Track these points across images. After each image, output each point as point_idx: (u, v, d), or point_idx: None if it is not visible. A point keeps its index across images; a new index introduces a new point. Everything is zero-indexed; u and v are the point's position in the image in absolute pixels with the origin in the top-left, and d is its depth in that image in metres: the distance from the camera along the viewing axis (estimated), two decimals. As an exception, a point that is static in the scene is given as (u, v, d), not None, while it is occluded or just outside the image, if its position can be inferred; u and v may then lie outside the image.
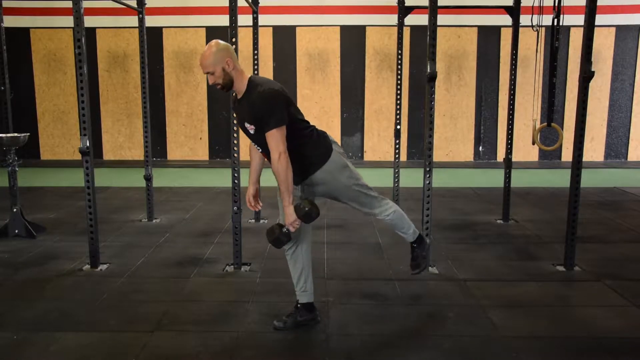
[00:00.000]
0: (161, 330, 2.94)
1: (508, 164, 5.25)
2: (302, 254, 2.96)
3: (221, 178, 7.74)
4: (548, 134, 8.48)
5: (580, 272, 3.86)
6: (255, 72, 5.21)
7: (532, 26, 4.99)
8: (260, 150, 2.82)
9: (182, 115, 9.74)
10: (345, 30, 9.52)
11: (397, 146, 5.24)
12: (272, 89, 2.67)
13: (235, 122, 3.77)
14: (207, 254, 4.29)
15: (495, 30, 9.44)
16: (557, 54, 4.97)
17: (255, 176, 3.02)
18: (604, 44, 9.43)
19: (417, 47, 9.13)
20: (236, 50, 3.72)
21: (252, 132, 2.73)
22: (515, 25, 5.04)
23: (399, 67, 5.18)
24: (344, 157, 2.89)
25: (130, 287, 3.57)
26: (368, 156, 9.79)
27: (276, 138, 2.62)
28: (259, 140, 2.74)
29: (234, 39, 3.72)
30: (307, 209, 2.67)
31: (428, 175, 3.77)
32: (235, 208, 3.83)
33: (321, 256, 4.20)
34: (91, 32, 9.34)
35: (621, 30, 9.43)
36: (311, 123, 2.87)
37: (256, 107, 2.65)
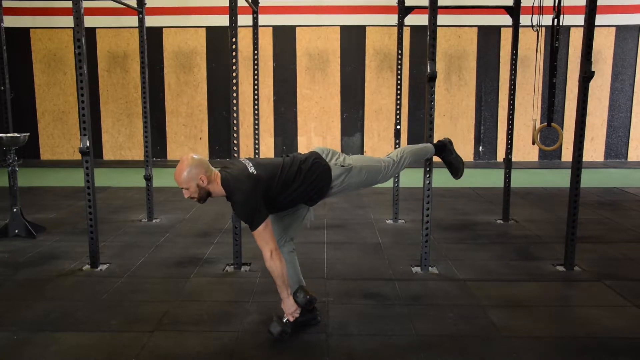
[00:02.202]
0: (161, 330, 2.94)
1: (508, 164, 5.25)
2: (289, 257, 2.98)
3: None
4: (548, 134, 8.49)
5: (580, 272, 3.86)
6: (255, 72, 5.21)
7: (532, 26, 4.99)
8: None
9: (182, 115, 9.75)
10: (345, 30, 9.53)
11: (397, 146, 5.23)
12: (242, 190, 2.62)
13: (235, 122, 3.77)
14: (207, 254, 4.29)
15: (495, 30, 9.44)
16: (557, 54, 4.96)
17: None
18: (604, 44, 9.43)
19: (417, 47, 9.14)
20: (236, 50, 3.73)
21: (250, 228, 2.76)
22: (515, 25, 5.04)
23: (399, 67, 5.18)
24: (344, 161, 2.89)
25: (130, 287, 3.57)
26: (368, 156, 9.78)
27: (263, 236, 2.65)
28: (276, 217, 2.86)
29: (234, 39, 3.72)
30: (308, 297, 2.76)
31: (428, 175, 3.77)
32: (235, 208, 3.83)
33: (321, 256, 4.20)
34: (91, 32, 9.34)
35: (621, 30, 9.43)
36: (291, 156, 2.88)
37: (237, 210, 2.69)
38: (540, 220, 5.36)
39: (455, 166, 3.37)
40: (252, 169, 2.70)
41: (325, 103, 9.67)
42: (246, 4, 5.00)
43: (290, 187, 2.75)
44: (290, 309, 2.78)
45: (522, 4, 4.95)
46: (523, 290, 3.54)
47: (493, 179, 7.77)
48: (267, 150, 9.71)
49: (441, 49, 9.35)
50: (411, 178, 6.86)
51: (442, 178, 7.62)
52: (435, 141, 3.53)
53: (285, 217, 2.97)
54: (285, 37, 9.52)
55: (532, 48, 8.87)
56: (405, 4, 5.04)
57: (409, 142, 9.66)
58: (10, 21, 8.32)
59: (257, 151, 5.07)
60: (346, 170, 2.85)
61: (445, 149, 3.36)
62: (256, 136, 5.05)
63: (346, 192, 2.94)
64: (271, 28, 9.42)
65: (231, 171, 2.73)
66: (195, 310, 3.20)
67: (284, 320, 2.80)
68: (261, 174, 2.69)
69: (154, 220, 5.34)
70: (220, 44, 9.49)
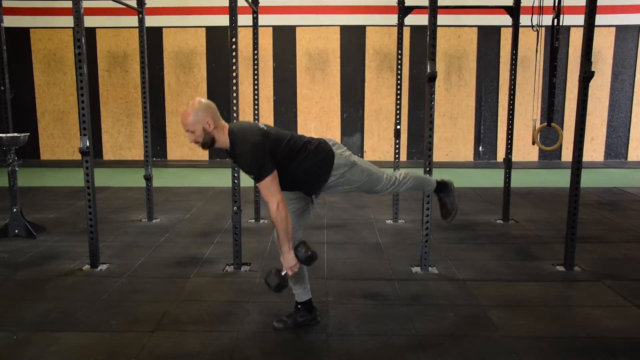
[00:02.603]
0: (161, 330, 2.94)
1: (508, 164, 5.26)
2: None
3: (221, 178, 7.74)
4: (548, 134, 8.49)
5: (580, 272, 3.86)
6: (255, 72, 5.21)
7: (532, 26, 4.99)
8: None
9: (182, 115, 9.73)
10: (345, 30, 9.53)
11: (397, 146, 5.24)
12: (252, 143, 2.63)
13: (235, 122, 3.77)
14: (207, 254, 4.29)
15: (495, 30, 9.44)
16: (557, 54, 4.97)
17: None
18: (604, 44, 9.43)
19: (417, 47, 9.14)
20: (236, 50, 3.73)
21: (253, 179, 2.73)
22: (515, 25, 5.04)
23: (399, 67, 5.18)
24: (350, 156, 2.88)
25: (130, 287, 3.57)
26: (368, 156, 9.79)
27: (269, 187, 2.63)
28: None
29: (234, 39, 3.72)
30: (309, 253, 2.71)
31: (428, 176, 3.77)
32: (235, 208, 3.83)
33: (321, 256, 4.20)
34: (91, 32, 9.34)
35: (621, 30, 9.43)
36: (306, 135, 2.87)
37: (242, 162, 2.67)
38: (540, 220, 5.36)
39: (448, 209, 3.23)
40: (262, 126, 2.75)
41: (325, 103, 9.67)
42: (246, 4, 5.00)
43: (294, 159, 2.72)
44: (290, 263, 2.72)
45: (522, 4, 4.94)
46: (523, 290, 3.54)
47: (493, 179, 7.78)
48: (267, 150, 9.68)
49: (441, 49, 9.35)
50: (411, 178, 6.86)
51: (442, 178, 7.56)
52: (440, 179, 3.39)
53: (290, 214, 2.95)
54: (285, 37, 9.52)
55: (532, 48, 8.86)
56: (405, 4, 5.04)
57: (409, 142, 9.67)
58: (10, 21, 8.31)
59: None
60: (349, 164, 2.83)
61: (446, 188, 3.24)
62: (256, 136, 5.04)
63: (343, 189, 2.88)
64: (271, 28, 9.42)
65: (241, 124, 2.78)
66: (195, 310, 3.20)
67: (282, 274, 2.75)
68: (271, 132, 2.72)
69: (154, 220, 5.34)
70: (220, 44, 9.49)
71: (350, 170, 2.83)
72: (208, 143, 2.71)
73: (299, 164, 2.74)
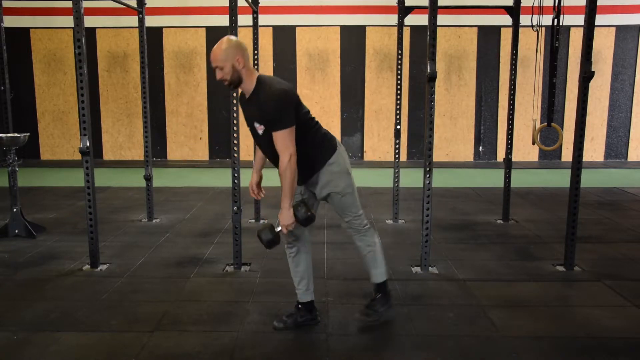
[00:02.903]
0: (161, 330, 2.94)
1: (508, 164, 5.25)
2: (306, 255, 2.96)
3: (221, 178, 7.74)
4: (548, 134, 8.49)
5: (580, 272, 3.86)
6: (255, 72, 5.21)
7: (532, 26, 4.99)
8: (267, 153, 2.81)
9: (182, 115, 9.75)
10: (345, 30, 9.53)
11: (397, 146, 5.23)
12: (282, 89, 2.64)
13: (235, 122, 3.77)
14: (207, 254, 4.29)
15: (495, 30, 9.44)
16: (557, 54, 4.96)
17: (259, 164, 3.02)
18: (604, 44, 9.43)
19: (417, 47, 9.14)
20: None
21: (260, 132, 2.70)
22: (515, 25, 5.04)
23: (399, 67, 5.18)
24: (348, 164, 2.89)
25: (130, 287, 3.57)
26: (368, 156, 9.79)
27: (285, 139, 2.60)
28: (266, 142, 2.72)
29: (234, 39, 3.72)
30: (309, 213, 2.68)
31: (428, 175, 3.77)
32: (235, 208, 3.83)
33: (321, 256, 4.20)
34: (91, 32, 9.34)
35: (621, 30, 9.43)
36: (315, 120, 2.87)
37: (265, 107, 2.62)
38: (540, 220, 5.36)
39: (371, 312, 3.00)
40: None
41: (325, 103, 9.67)
42: (246, 4, 5.00)
43: (307, 132, 2.72)
44: (287, 221, 2.68)
45: (522, 4, 4.94)
46: (523, 290, 3.54)
47: (493, 179, 7.77)
48: (267, 150, 9.69)
49: (441, 49, 9.35)
50: (411, 178, 6.86)
51: (442, 178, 7.60)
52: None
53: None
54: (285, 37, 9.52)
55: (532, 48, 8.87)
56: (405, 4, 5.04)
57: (409, 141, 9.67)
58: (10, 21, 8.31)
59: (257, 151, 5.07)
60: (344, 168, 2.83)
61: (387, 295, 3.04)
62: (256, 136, 5.04)
63: (324, 192, 2.83)
64: (271, 28, 9.42)
65: (271, 76, 2.78)
66: (195, 310, 3.20)
67: (277, 230, 2.71)
68: (297, 95, 2.73)
69: (154, 220, 5.34)
70: (220, 44, 9.47)
71: (341, 174, 2.82)
72: (236, 82, 2.68)
73: (308, 142, 2.73)
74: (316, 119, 2.85)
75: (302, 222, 2.70)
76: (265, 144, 2.75)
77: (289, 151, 2.60)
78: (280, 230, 2.72)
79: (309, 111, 2.78)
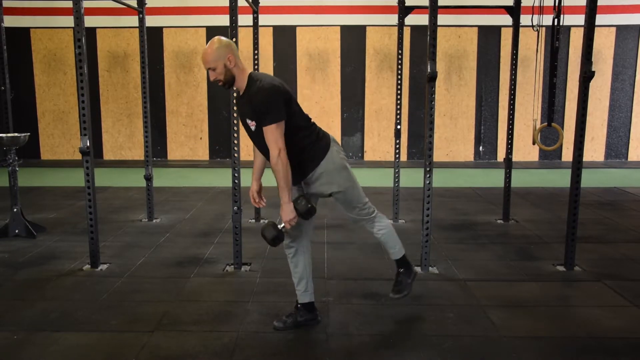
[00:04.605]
0: (161, 330, 2.94)
1: (508, 164, 5.25)
2: (304, 255, 2.96)
3: (221, 178, 7.74)
4: (548, 134, 8.49)
5: (580, 272, 3.86)
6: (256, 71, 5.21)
7: (533, 26, 4.99)
8: (261, 150, 2.82)
9: (182, 115, 9.75)
10: (345, 30, 9.52)
11: (397, 146, 5.23)
12: (271, 84, 2.66)
13: (235, 121, 3.77)
14: (207, 254, 4.29)
15: (496, 30, 9.44)
16: (557, 54, 4.96)
17: (258, 173, 3.03)
18: (604, 44, 9.43)
19: (417, 47, 9.14)
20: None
21: (252, 128, 2.72)
22: (516, 25, 5.03)
23: (399, 67, 5.18)
24: (344, 159, 2.89)
25: (130, 287, 3.57)
26: (368, 156, 9.79)
27: (274, 133, 2.61)
28: (258, 139, 2.73)
29: (234, 39, 3.72)
30: (309, 205, 2.66)
31: (428, 175, 3.77)
32: (235, 208, 3.83)
33: (321, 256, 4.20)
34: (91, 32, 9.34)
35: (621, 30, 9.43)
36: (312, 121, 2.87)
37: (255, 101, 2.64)
38: (540, 220, 5.36)
39: (401, 288, 3.10)
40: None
41: (325, 103, 9.67)
42: (246, 4, 5.00)
43: (298, 130, 2.73)
44: (288, 216, 2.68)
45: (522, 4, 4.94)
46: (523, 290, 3.54)
47: (493, 179, 7.77)
48: (267, 150, 9.69)
49: (441, 49, 9.35)
50: (411, 178, 6.86)
51: (442, 178, 7.60)
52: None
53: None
54: (285, 37, 9.52)
55: (532, 48, 8.86)
56: (406, 4, 5.04)
57: (409, 142, 9.67)
58: (10, 21, 8.30)
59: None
60: (339, 166, 2.83)
61: (409, 269, 3.14)
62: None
63: (324, 190, 2.82)
64: (271, 28, 9.42)
65: (263, 73, 2.80)
66: (195, 310, 3.20)
67: (280, 227, 2.70)
68: (289, 90, 2.74)
69: (154, 220, 5.34)
70: (220, 44, 9.47)
71: (338, 171, 2.82)
72: (230, 81, 2.73)
73: (301, 139, 2.74)
74: (311, 118, 2.86)
75: (303, 215, 2.69)
76: (258, 141, 2.77)
77: (278, 146, 2.61)
78: (284, 227, 2.71)
79: (303, 112, 2.80)
